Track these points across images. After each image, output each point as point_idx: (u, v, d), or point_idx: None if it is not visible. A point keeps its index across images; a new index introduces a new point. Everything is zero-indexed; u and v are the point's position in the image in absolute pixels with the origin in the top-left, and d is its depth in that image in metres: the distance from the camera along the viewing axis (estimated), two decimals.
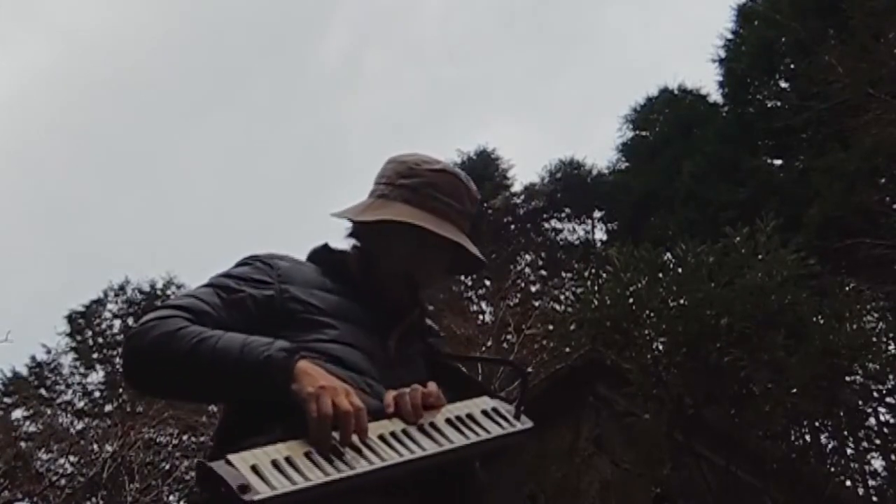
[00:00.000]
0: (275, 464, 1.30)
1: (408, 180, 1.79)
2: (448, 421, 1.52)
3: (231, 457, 1.29)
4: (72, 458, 11.32)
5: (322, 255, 1.79)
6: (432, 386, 1.56)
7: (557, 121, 32.66)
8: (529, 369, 10.65)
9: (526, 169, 33.04)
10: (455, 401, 1.57)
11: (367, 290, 1.73)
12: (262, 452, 1.31)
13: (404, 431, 1.45)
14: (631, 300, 5.34)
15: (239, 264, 1.71)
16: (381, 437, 1.41)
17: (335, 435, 1.36)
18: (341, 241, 1.81)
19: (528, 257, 18.17)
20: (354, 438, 1.37)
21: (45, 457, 11.79)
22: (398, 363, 1.66)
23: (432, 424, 1.49)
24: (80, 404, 15.67)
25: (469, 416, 1.55)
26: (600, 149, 37.27)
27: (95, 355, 16.47)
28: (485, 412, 1.57)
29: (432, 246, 1.73)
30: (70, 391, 15.98)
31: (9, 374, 15.24)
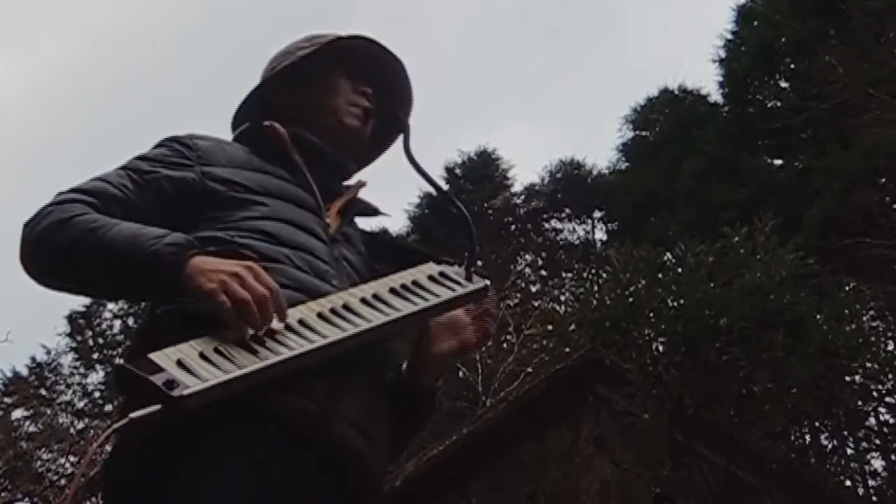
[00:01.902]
0: (203, 356, 1.18)
1: (310, 43, 1.70)
2: (392, 291, 1.40)
3: (152, 355, 1.17)
4: (72, 458, 11.32)
5: (249, 134, 1.64)
6: None
7: (565, 122, 32.70)
8: (529, 369, 10.64)
9: (532, 169, 33.11)
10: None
11: (306, 160, 1.59)
12: (188, 346, 1.20)
13: (345, 306, 1.33)
14: (630, 300, 5.34)
15: (155, 146, 1.55)
16: (321, 315, 1.30)
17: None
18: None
19: (528, 257, 18.18)
20: (276, 322, 1.24)
21: (45, 457, 11.79)
22: (339, 241, 1.55)
23: (376, 296, 1.37)
24: (80, 404, 15.67)
25: (415, 283, 1.43)
26: (601, 149, 37.30)
27: (95, 355, 16.46)
28: (431, 277, 1.46)
29: (360, 81, 1.68)
30: (70, 391, 15.97)
31: (9, 374, 15.23)
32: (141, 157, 1.51)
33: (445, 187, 1.71)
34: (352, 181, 1.71)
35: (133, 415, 1.11)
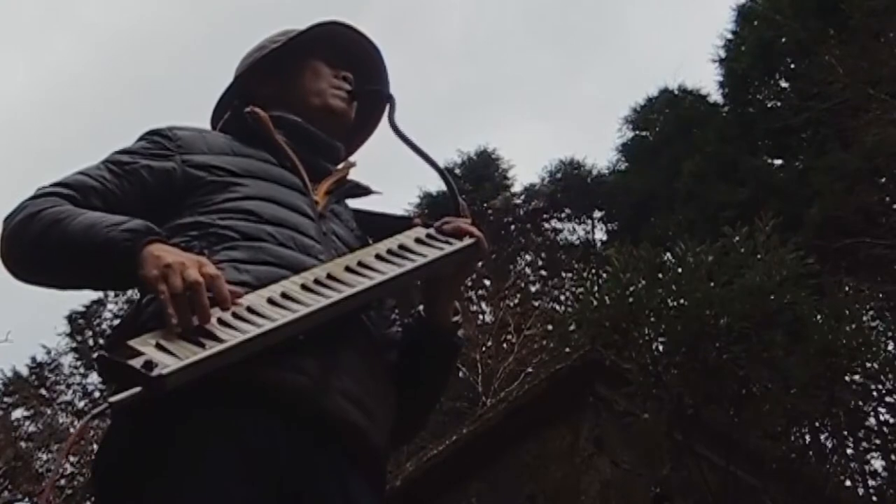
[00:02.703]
0: (182, 336, 1.17)
1: (285, 35, 1.74)
2: (378, 256, 1.40)
3: (131, 341, 1.17)
4: (72, 458, 11.32)
5: (231, 122, 1.64)
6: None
7: (565, 122, 32.72)
8: (529, 369, 10.64)
9: (532, 169, 33.13)
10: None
11: (291, 142, 1.60)
12: (167, 329, 1.19)
13: (329, 276, 1.32)
14: (630, 300, 5.34)
15: (136, 140, 1.56)
16: (304, 286, 1.30)
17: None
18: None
19: (528, 257, 18.17)
20: (217, 311, 1.21)
21: (44, 457, 11.79)
22: (327, 217, 1.54)
23: (361, 263, 1.37)
24: (80, 404, 15.66)
25: (401, 246, 1.44)
26: (601, 149, 37.32)
27: (95, 355, 16.47)
28: (418, 240, 1.46)
29: (338, 65, 1.71)
30: (70, 391, 15.97)
31: (9, 374, 15.23)
32: (121, 151, 1.53)
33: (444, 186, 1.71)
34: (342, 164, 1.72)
35: (111, 399, 1.10)
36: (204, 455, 1.23)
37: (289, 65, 1.70)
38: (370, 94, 1.74)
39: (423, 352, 1.54)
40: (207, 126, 1.74)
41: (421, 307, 1.57)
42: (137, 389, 1.11)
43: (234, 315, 1.22)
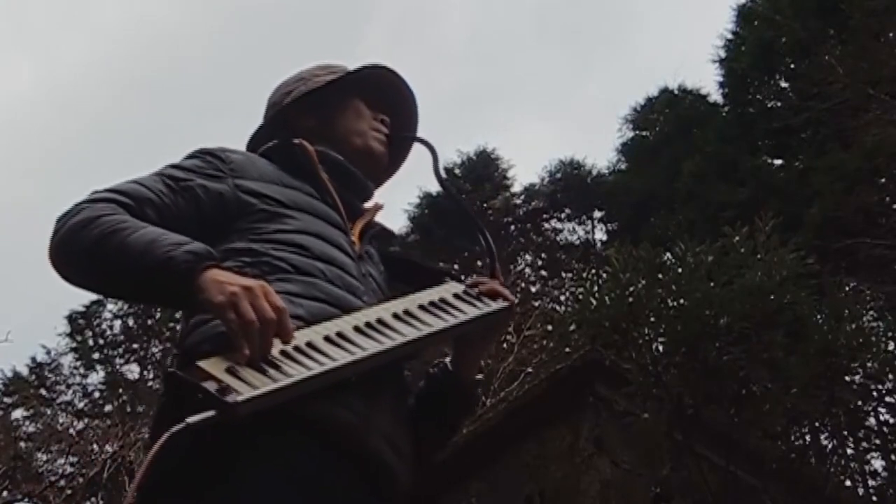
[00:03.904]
0: (250, 364, 1.20)
1: (326, 71, 1.77)
2: (422, 307, 1.44)
3: (201, 363, 1.19)
4: (72, 458, 11.32)
5: (276, 151, 1.66)
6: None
7: (565, 122, 32.75)
8: (529, 369, 10.64)
9: (532, 169, 33.17)
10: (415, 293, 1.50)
11: (332, 179, 1.62)
12: (234, 354, 1.21)
13: (379, 321, 1.36)
14: (630, 300, 5.33)
15: (187, 157, 1.56)
16: (357, 329, 1.33)
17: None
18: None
19: (528, 257, 18.17)
20: (278, 343, 1.24)
21: (44, 457, 11.79)
22: (364, 258, 1.58)
23: (407, 312, 1.41)
24: (80, 404, 15.67)
25: (442, 300, 1.49)
26: (601, 149, 37.34)
27: (95, 356, 16.46)
28: (456, 295, 1.52)
29: (377, 108, 1.75)
30: (70, 391, 15.98)
31: (9, 374, 15.24)
32: (175, 166, 1.53)
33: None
34: (369, 203, 1.75)
35: (190, 420, 1.12)
36: (257, 477, 1.26)
37: (331, 101, 1.73)
38: (405, 141, 1.79)
39: (445, 403, 1.61)
40: (230, 144, 1.75)
41: (447, 360, 1.63)
42: (211, 413, 1.13)
43: (296, 349, 1.25)
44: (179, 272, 1.27)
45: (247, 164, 1.57)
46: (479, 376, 1.66)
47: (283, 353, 1.24)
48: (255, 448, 1.25)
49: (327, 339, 1.29)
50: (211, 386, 1.15)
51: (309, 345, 1.26)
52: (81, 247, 1.35)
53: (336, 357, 1.26)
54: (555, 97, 33.96)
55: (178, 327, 1.44)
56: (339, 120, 1.72)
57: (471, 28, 38.78)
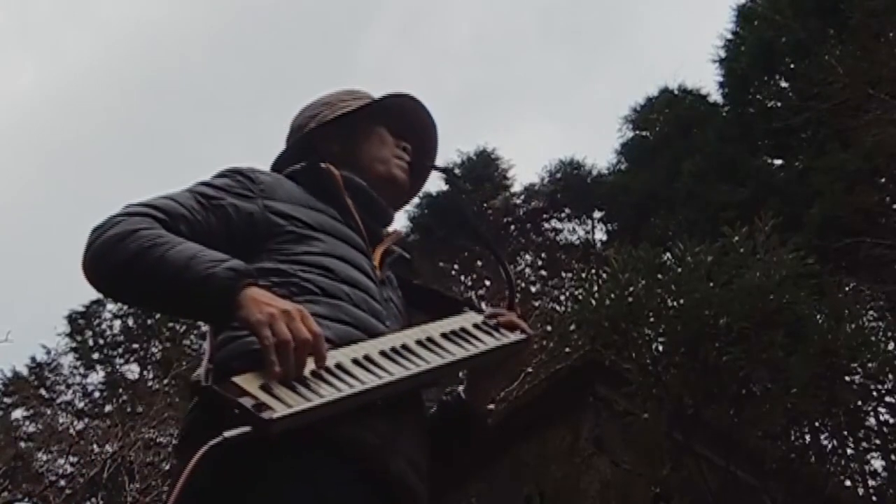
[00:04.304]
0: (284, 383, 1.23)
1: (352, 97, 1.81)
2: (444, 335, 1.48)
3: (236, 379, 1.23)
4: (72, 458, 11.31)
5: (303, 174, 1.68)
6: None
7: (565, 122, 32.76)
8: (529, 369, 10.64)
9: (532, 169, 33.19)
10: (433, 321, 1.54)
11: (355, 204, 1.66)
12: (266, 373, 1.24)
13: (404, 347, 1.40)
14: (630, 300, 5.34)
15: (217, 176, 1.60)
16: (383, 353, 1.37)
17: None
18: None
19: (528, 257, 18.17)
20: (311, 364, 1.27)
21: (44, 457, 11.79)
22: (385, 283, 1.61)
23: (430, 339, 1.45)
24: (80, 404, 15.67)
25: (463, 329, 1.52)
26: (601, 149, 37.36)
27: (95, 355, 16.46)
28: (476, 325, 1.56)
29: (399, 136, 1.78)
30: (70, 391, 15.98)
31: (9, 374, 15.23)
32: (206, 184, 1.56)
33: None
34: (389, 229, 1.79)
35: (227, 434, 1.15)
36: (286, 494, 1.28)
37: (357, 127, 1.76)
38: (426, 169, 1.84)
39: (457, 430, 1.64)
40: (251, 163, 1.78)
41: (461, 388, 1.67)
42: (247, 429, 1.16)
43: (326, 370, 1.29)
44: (220, 288, 1.30)
45: (275, 186, 1.60)
46: (491, 406, 1.71)
47: (314, 373, 1.27)
48: (282, 466, 1.28)
49: (355, 361, 1.32)
50: (247, 402, 1.18)
51: (338, 367, 1.30)
52: (119, 259, 1.37)
53: (365, 380, 1.29)
54: (555, 97, 34.00)
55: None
56: (364, 146, 1.76)
57: (475, 28, 38.80)
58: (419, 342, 1.43)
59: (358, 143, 1.76)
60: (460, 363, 1.46)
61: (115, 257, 1.37)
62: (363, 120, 1.76)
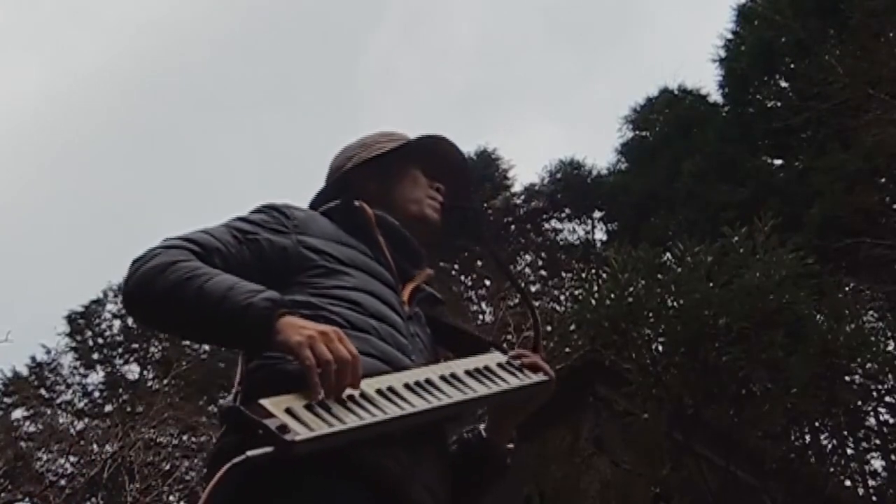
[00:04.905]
0: (308, 408, 1.27)
1: (387, 139, 1.86)
2: (468, 372, 1.52)
3: (263, 401, 1.27)
4: (72, 458, 11.31)
5: (338, 210, 1.75)
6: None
7: (565, 122, 32.77)
8: None
9: (535, 169, 33.20)
10: (458, 359, 1.59)
11: (387, 242, 1.71)
12: (293, 397, 1.29)
13: (428, 381, 1.44)
14: (629, 300, 5.34)
15: (254, 212, 1.67)
16: (407, 386, 1.41)
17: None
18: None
19: (528, 257, 18.16)
20: (350, 390, 1.32)
21: (44, 457, 11.78)
22: (413, 319, 1.66)
23: (453, 375, 1.49)
24: (80, 404, 15.66)
25: (486, 367, 1.57)
26: (601, 149, 37.37)
27: (95, 355, 16.45)
28: (500, 365, 1.60)
29: (432, 177, 1.84)
30: (70, 391, 15.96)
31: (9, 374, 15.22)
32: (242, 219, 1.64)
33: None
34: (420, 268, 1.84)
35: (250, 453, 1.20)
36: None
37: (391, 167, 1.83)
38: (459, 211, 1.88)
39: (478, 467, 1.69)
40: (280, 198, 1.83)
41: (482, 426, 1.73)
42: (270, 449, 1.20)
43: (351, 398, 1.33)
44: (259, 317, 1.36)
45: (309, 222, 1.67)
46: (511, 445, 1.75)
47: (339, 401, 1.31)
48: (303, 490, 1.32)
49: (380, 392, 1.36)
50: (272, 423, 1.22)
51: (363, 396, 1.34)
52: (160, 290, 1.43)
53: (387, 410, 1.33)
54: (556, 97, 34.01)
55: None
56: (398, 186, 1.82)
57: (476, 29, 38.83)
58: (443, 377, 1.48)
59: (393, 183, 1.82)
60: (481, 400, 1.51)
61: (155, 288, 1.44)
62: (398, 161, 1.82)
